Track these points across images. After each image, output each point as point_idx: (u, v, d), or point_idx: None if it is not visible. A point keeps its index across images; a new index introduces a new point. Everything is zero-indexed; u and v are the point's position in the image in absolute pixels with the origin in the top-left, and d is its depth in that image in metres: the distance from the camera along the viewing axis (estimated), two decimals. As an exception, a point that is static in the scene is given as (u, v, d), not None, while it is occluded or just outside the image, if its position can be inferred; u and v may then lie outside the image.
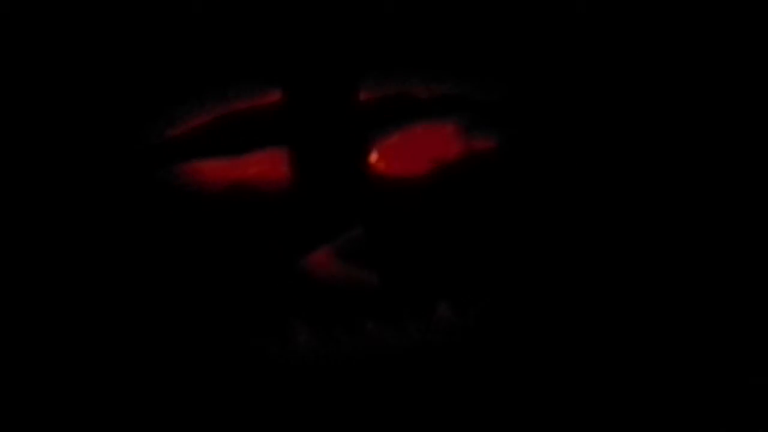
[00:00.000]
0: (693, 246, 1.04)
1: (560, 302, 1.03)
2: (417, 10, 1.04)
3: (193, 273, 1.01)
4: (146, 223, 1.01)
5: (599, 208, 1.04)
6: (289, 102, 1.02)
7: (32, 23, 1.03)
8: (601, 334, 1.04)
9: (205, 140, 1.01)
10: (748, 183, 1.05)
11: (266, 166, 1.01)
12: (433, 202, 1.02)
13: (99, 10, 1.03)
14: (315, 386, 0.99)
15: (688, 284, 1.04)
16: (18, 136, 1.02)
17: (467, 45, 1.05)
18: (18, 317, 1.02)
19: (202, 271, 1.01)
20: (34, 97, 1.03)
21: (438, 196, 1.02)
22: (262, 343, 1.00)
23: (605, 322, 1.04)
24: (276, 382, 1.00)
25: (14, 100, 1.03)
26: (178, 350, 1.01)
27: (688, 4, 1.04)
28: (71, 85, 1.03)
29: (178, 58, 1.03)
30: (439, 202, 1.02)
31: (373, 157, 1.02)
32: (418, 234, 1.02)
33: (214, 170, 1.01)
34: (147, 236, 1.01)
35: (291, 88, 1.02)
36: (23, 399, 1.01)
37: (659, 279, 1.04)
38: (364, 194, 1.02)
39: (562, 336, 1.03)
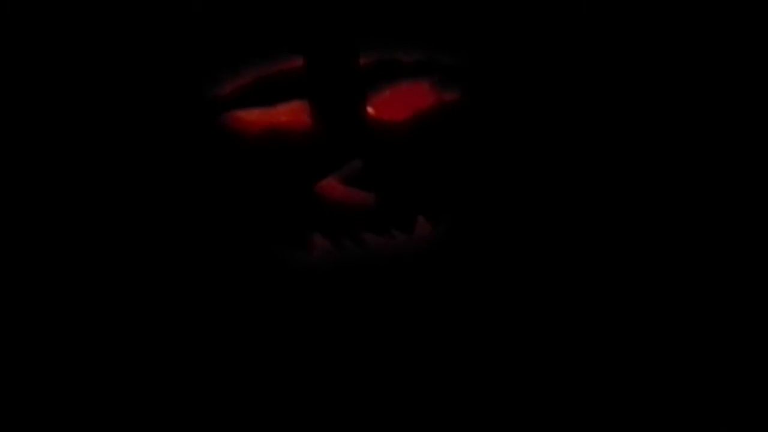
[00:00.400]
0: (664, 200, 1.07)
1: (512, 216, 1.10)
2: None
3: (235, 195, 1.08)
4: (202, 158, 1.09)
5: (544, 142, 1.11)
6: (308, 66, 1.10)
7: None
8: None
9: (245, 96, 1.09)
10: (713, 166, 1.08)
11: (292, 114, 1.09)
12: (414, 141, 1.10)
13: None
14: (327, 281, 1.07)
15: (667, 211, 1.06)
16: (100, 91, 1.10)
17: (439, 22, 1.12)
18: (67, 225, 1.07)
19: (243, 193, 1.09)
20: (116, 61, 1.09)
21: (417, 136, 1.10)
22: (286, 248, 1.08)
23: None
24: (297, 280, 1.07)
25: (95, 59, 1.09)
26: (219, 254, 1.07)
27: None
28: (151, 57, 1.10)
29: (226, 37, 1.11)
30: (418, 141, 1.10)
31: (370, 107, 1.11)
32: (403, 164, 1.10)
33: (253, 118, 1.09)
34: (202, 167, 1.09)
35: (310, 56, 1.09)
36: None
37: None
38: (364, 135, 1.10)
39: (515, 243, 1.09)
